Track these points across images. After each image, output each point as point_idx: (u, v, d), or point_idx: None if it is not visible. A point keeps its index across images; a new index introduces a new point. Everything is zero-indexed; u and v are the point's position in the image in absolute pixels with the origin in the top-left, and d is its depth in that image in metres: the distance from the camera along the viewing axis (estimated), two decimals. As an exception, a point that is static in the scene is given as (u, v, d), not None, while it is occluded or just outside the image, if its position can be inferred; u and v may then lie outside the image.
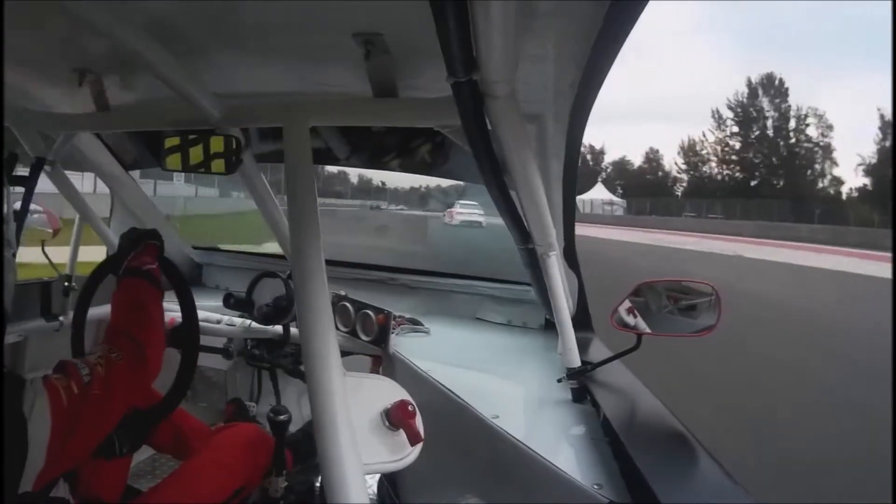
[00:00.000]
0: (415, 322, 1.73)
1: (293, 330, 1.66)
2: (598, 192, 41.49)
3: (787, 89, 38.53)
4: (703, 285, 1.19)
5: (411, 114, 0.98)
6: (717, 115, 42.06)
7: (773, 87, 39.04)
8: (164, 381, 1.17)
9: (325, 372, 0.73)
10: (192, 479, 1.16)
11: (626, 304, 1.18)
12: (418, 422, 0.77)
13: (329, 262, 0.81)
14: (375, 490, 1.52)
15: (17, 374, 0.81)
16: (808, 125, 37.99)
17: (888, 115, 31.95)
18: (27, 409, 0.77)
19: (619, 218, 36.00)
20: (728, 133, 41.15)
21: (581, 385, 1.23)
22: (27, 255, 1.34)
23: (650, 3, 0.65)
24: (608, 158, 49.02)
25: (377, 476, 1.53)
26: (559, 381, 1.26)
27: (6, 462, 0.70)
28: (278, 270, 1.66)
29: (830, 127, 37.53)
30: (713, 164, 42.28)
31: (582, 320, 1.59)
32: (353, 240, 8.25)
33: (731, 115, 40.94)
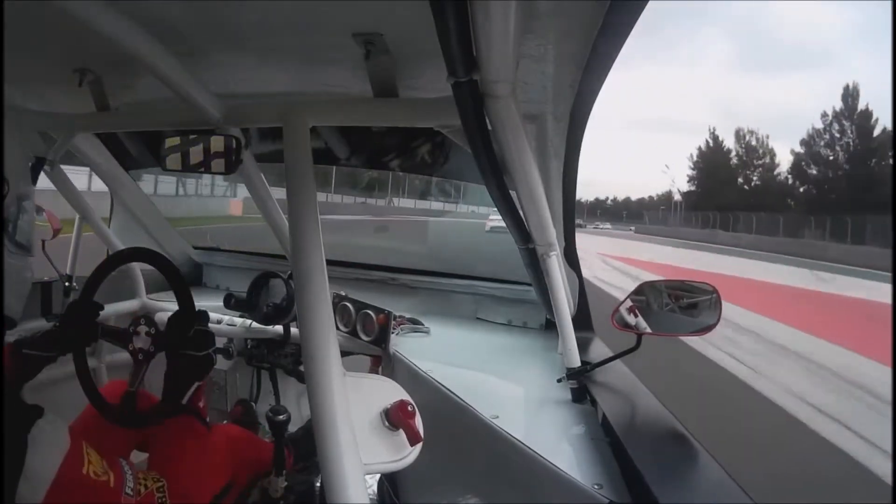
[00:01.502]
0: (415, 322, 1.73)
1: (293, 330, 1.66)
2: None
3: None
4: (704, 284, 1.19)
5: (411, 114, 0.98)
6: None
7: None
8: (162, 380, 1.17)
9: (325, 372, 0.73)
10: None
11: (628, 303, 1.17)
12: (418, 422, 0.76)
13: (329, 262, 0.81)
14: (375, 490, 1.53)
15: (37, 406, 0.78)
16: None
17: None
18: (40, 434, 0.75)
19: None
20: None
21: (581, 385, 1.23)
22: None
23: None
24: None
25: (377, 476, 1.53)
26: (559, 380, 1.26)
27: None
28: (279, 270, 1.66)
29: None
30: None
31: (582, 320, 1.59)
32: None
33: None
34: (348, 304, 1.63)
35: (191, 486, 1.02)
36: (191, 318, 1.18)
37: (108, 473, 0.82)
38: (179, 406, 1.12)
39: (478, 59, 0.66)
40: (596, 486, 0.87)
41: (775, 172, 39.04)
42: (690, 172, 45.55)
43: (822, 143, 31.93)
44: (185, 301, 1.22)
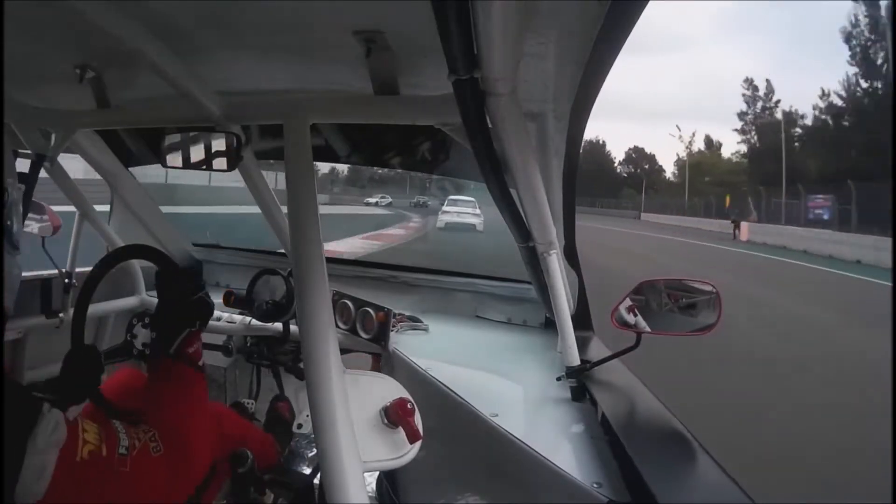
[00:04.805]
0: (414, 319, 1.74)
1: (293, 327, 1.66)
2: None
3: None
4: (704, 284, 1.19)
5: (412, 111, 0.98)
6: None
7: None
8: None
9: (325, 369, 0.73)
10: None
11: (627, 302, 1.17)
12: (417, 420, 0.76)
13: (329, 260, 0.81)
14: (374, 488, 1.53)
15: (37, 399, 0.78)
16: None
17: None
18: (44, 433, 0.74)
19: None
20: None
21: (580, 383, 1.23)
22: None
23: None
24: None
25: (376, 474, 1.53)
26: (558, 379, 1.26)
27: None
28: (279, 268, 1.66)
29: None
30: None
31: (582, 319, 1.59)
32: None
33: None
34: (348, 302, 1.63)
35: (181, 427, 0.99)
36: (178, 272, 1.18)
37: (101, 442, 0.81)
38: (166, 354, 1.09)
39: (479, 56, 0.66)
40: (595, 485, 0.87)
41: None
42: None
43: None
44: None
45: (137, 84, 1.16)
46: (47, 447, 0.74)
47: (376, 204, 24.83)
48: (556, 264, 1.25)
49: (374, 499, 1.50)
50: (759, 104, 42.75)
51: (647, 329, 1.15)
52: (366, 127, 1.56)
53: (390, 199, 25.35)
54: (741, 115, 43.56)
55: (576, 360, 1.24)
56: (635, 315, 1.17)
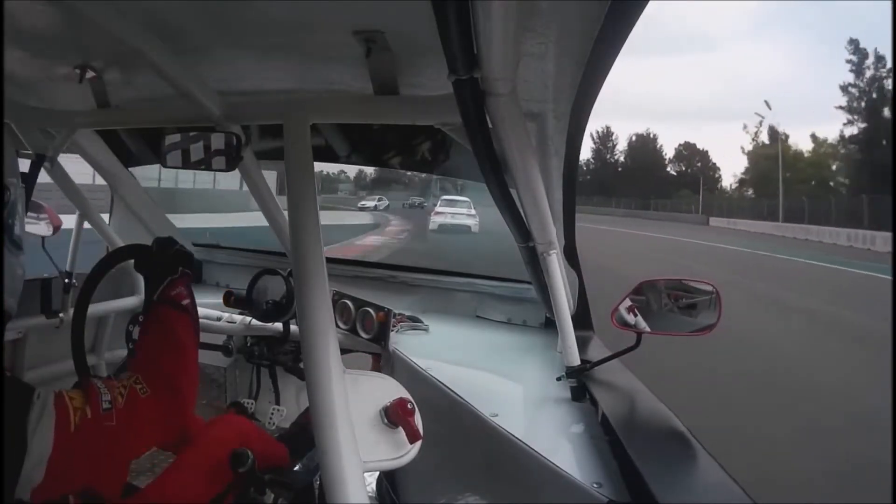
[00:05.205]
0: (414, 319, 1.74)
1: (293, 327, 1.66)
2: None
3: None
4: (704, 284, 1.19)
5: (412, 111, 0.98)
6: None
7: None
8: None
9: (325, 369, 0.73)
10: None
11: (627, 302, 1.17)
12: (417, 420, 0.76)
13: (329, 260, 0.81)
14: (374, 488, 1.53)
15: (26, 384, 0.78)
16: None
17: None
18: (34, 420, 0.75)
19: None
20: None
21: (580, 383, 1.23)
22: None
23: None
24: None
25: (376, 474, 1.53)
26: (558, 379, 1.26)
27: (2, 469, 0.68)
28: (279, 268, 1.66)
29: None
30: None
31: (582, 319, 1.59)
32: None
33: None
34: (348, 302, 1.63)
35: (165, 364, 0.98)
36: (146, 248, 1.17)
37: (85, 404, 0.80)
38: (150, 301, 1.09)
39: (479, 56, 0.66)
40: (595, 485, 0.87)
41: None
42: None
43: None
44: None
45: (137, 84, 1.16)
46: (43, 432, 0.74)
47: (374, 208, 24.38)
48: (556, 264, 1.25)
49: (374, 499, 1.50)
50: (868, 73, 32.29)
51: (648, 329, 1.15)
52: (366, 127, 1.56)
53: (388, 203, 24.88)
54: (845, 88, 33.26)
55: (576, 360, 1.24)
56: (635, 315, 1.17)
